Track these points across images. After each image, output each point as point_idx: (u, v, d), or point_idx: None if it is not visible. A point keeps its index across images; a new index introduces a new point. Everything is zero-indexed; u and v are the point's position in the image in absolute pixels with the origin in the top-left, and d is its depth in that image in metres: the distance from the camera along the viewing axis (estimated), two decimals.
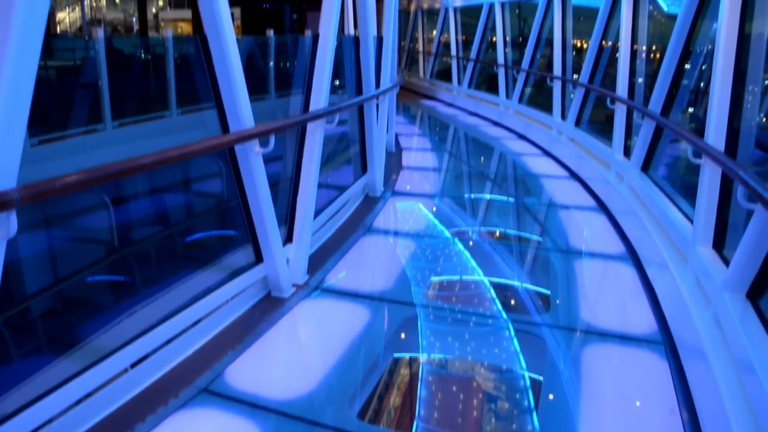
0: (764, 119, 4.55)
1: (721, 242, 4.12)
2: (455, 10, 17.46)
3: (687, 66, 5.73)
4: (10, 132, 2.19)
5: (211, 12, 3.41)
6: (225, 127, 3.69)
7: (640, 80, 7.42)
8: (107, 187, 4.45)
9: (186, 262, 5.26)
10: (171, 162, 2.88)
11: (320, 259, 4.95)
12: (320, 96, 4.72)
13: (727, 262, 3.79)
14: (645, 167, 6.20)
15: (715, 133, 4.20)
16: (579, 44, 11.36)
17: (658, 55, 7.43)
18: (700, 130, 4.53)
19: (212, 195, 6.40)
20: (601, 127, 8.70)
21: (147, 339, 3.21)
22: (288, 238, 4.63)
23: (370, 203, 6.65)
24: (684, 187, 5.47)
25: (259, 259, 4.18)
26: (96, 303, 4.48)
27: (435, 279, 5.03)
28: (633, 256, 5.45)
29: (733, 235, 4.02)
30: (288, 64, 9.98)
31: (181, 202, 6.44)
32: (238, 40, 3.61)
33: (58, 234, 4.64)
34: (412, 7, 22.04)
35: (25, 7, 2.18)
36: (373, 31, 6.61)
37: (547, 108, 11.00)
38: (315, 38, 4.89)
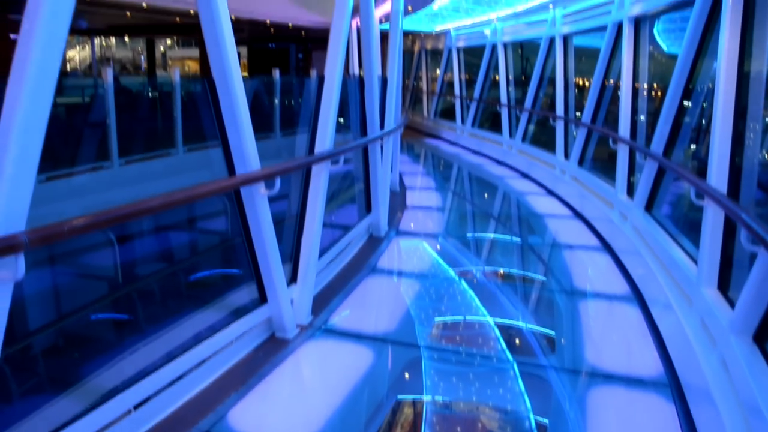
0: (766, 155, 4.58)
1: (726, 283, 4.11)
2: (458, 50, 17.71)
3: (688, 104, 5.78)
4: (21, 176, 2.23)
5: (219, 56, 3.48)
6: (231, 169, 3.73)
7: (642, 117, 7.49)
8: None
9: (190, 301, 5.26)
10: (178, 205, 2.92)
11: (324, 300, 4.95)
12: (325, 138, 4.77)
13: (732, 304, 3.78)
14: (648, 207, 6.21)
15: (717, 174, 4.22)
16: (581, 82, 11.50)
17: (659, 93, 7.51)
18: (702, 169, 4.55)
19: (216, 232, 6.42)
20: (604, 165, 8.75)
21: (150, 380, 3.20)
22: (292, 279, 4.63)
23: (374, 243, 6.66)
24: (688, 225, 5.48)
25: (263, 299, 4.18)
26: (99, 340, 4.48)
27: (439, 319, 5.02)
28: (638, 297, 5.43)
29: (739, 273, 4.01)
30: (294, 105, 10.11)
31: (185, 239, 6.46)
32: (245, 80, 3.68)
33: (61, 270, 4.66)
34: (416, 48, 22.35)
35: (40, 59, 2.25)
36: (378, 72, 6.71)
37: (551, 146, 11.08)
38: (321, 81, 4.96)
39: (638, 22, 7.61)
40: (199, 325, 4.01)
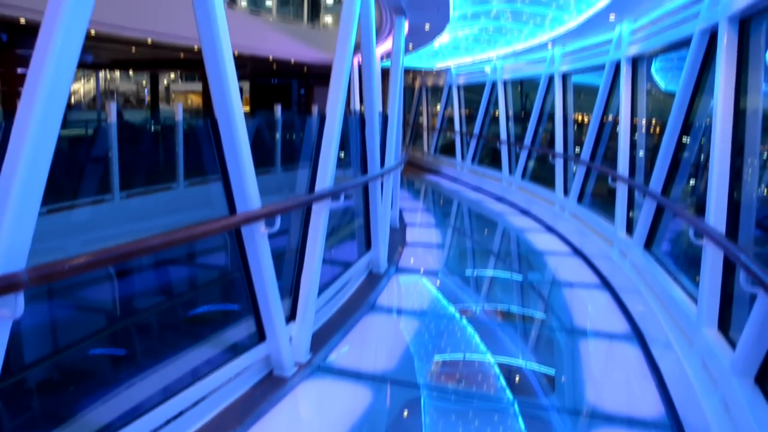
0: (765, 191, 4.60)
1: (726, 323, 4.10)
2: (459, 87, 17.92)
3: (687, 139, 5.82)
4: (24, 214, 2.24)
5: (221, 96, 3.52)
6: (231, 206, 3.75)
7: (641, 153, 7.54)
8: None
9: (188, 337, 5.23)
10: (178, 243, 2.93)
11: (323, 338, 4.92)
12: (326, 175, 4.80)
13: (733, 344, 3.76)
14: (648, 245, 6.22)
15: (716, 214, 4.24)
16: (580, 118, 11.60)
17: (658, 129, 7.58)
18: (701, 204, 4.57)
19: (215, 267, 6.41)
20: (604, 201, 8.78)
21: (147, 418, 3.17)
22: (291, 316, 4.61)
23: (373, 280, 6.64)
24: (688, 262, 5.48)
25: (261, 337, 4.16)
26: (95, 375, 4.44)
27: (439, 358, 4.98)
28: (638, 336, 5.40)
29: (739, 312, 4.01)
30: (295, 140, 10.20)
31: (183, 273, 6.45)
32: (247, 118, 3.72)
33: (58, 303, 4.64)
34: (417, 84, 22.61)
35: (47, 96, 2.28)
36: (379, 109, 6.77)
37: (550, 182, 11.13)
38: (322, 119, 5.01)
39: (635, 61, 7.72)
40: (196, 361, 3.99)
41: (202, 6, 3.38)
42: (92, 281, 4.77)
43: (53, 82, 2.32)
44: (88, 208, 6.32)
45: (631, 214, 7.32)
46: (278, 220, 3.83)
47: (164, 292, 5.96)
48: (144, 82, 37.86)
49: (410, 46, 12.79)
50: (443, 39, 12.53)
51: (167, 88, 39.79)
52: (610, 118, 8.90)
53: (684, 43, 5.79)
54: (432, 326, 5.68)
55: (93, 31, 11.51)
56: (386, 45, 11.78)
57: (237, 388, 3.95)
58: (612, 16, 7.69)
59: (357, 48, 5.98)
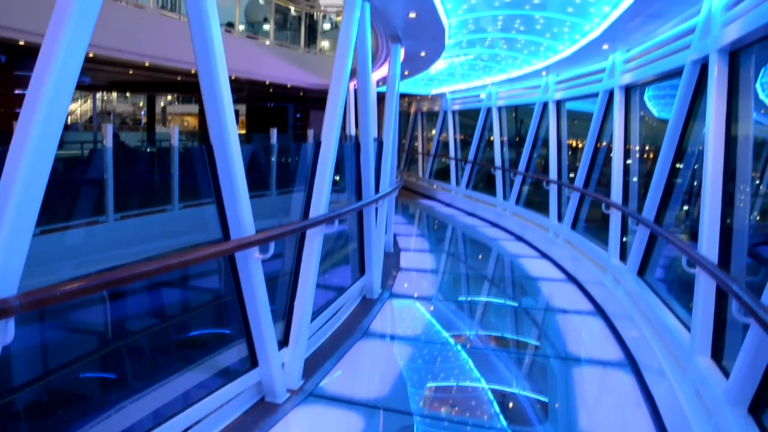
0: (757, 218, 4.63)
1: (719, 351, 4.09)
2: (454, 113, 18.02)
3: (680, 165, 5.86)
4: (16, 241, 2.24)
5: (218, 123, 3.54)
6: (226, 234, 3.74)
7: (635, 179, 7.58)
8: None
9: (179, 361, 5.18)
10: (172, 269, 2.92)
11: (316, 363, 4.89)
12: (320, 202, 4.81)
13: (726, 373, 3.76)
14: (641, 272, 6.23)
15: (708, 242, 4.26)
16: (574, 144, 11.67)
17: (651, 155, 7.62)
18: (695, 230, 4.59)
19: (208, 290, 6.38)
20: (598, 226, 8.79)
21: None
22: (284, 341, 4.59)
23: (367, 305, 6.62)
24: (681, 288, 5.48)
25: (254, 363, 4.13)
26: (85, 398, 4.40)
27: (432, 385, 4.96)
28: (632, 364, 5.39)
29: (732, 339, 4.01)
30: (290, 163, 10.23)
31: (176, 296, 6.40)
32: (242, 144, 3.73)
33: (48, 324, 4.61)
34: (412, 110, 22.74)
35: (43, 122, 2.29)
36: (374, 134, 6.80)
37: (544, 207, 11.16)
38: (317, 146, 5.03)
39: (629, 90, 7.80)
40: (187, 386, 3.96)
41: (199, 31, 3.41)
42: (83, 302, 4.73)
43: (51, 103, 2.33)
44: (82, 230, 6.30)
45: (624, 239, 7.33)
46: (272, 247, 3.83)
47: (156, 314, 5.92)
48: (141, 103, 37.93)
49: (406, 72, 12.90)
50: (439, 65, 12.64)
51: (164, 109, 39.87)
52: (604, 144, 8.96)
53: (676, 73, 5.86)
54: (425, 352, 5.66)
55: (91, 54, 11.59)
56: (382, 71, 11.88)
57: (228, 414, 3.92)
58: (605, 46, 7.78)
59: (353, 73, 6.03)
